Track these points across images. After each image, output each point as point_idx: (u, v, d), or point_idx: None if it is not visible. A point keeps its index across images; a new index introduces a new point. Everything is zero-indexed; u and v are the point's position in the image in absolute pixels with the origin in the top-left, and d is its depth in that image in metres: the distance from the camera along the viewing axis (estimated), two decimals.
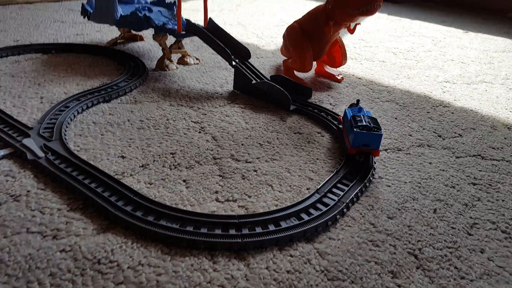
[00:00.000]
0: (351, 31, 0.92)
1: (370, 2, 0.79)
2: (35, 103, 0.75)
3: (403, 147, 0.72)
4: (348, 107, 0.71)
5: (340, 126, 0.74)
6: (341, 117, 0.74)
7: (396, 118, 0.84)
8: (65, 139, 0.62)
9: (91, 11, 1.00)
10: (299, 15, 1.71)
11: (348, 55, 1.14)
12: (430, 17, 2.03)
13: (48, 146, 0.59)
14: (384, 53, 1.31)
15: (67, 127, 0.67)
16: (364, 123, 0.61)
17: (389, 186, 0.61)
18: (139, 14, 0.93)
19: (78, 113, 0.72)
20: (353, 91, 0.96)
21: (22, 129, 0.63)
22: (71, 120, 0.69)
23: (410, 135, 0.77)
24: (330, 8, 0.86)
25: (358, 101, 0.71)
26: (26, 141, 0.59)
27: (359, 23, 0.89)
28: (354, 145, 0.62)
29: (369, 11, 0.80)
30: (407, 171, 0.65)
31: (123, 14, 0.95)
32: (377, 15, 1.96)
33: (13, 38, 1.11)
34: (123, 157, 0.61)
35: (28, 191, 0.51)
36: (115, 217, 0.48)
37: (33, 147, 0.58)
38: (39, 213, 0.48)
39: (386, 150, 0.71)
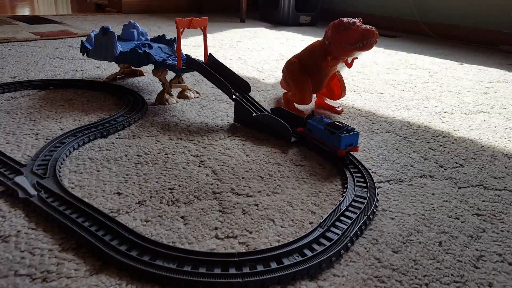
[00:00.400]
0: (349, 65, 0.93)
1: (366, 38, 0.81)
2: (30, 139, 0.74)
3: (405, 179, 0.71)
4: (307, 119, 0.79)
5: (297, 136, 0.82)
6: (302, 129, 0.81)
7: (397, 149, 0.83)
8: (60, 176, 0.60)
9: (90, 48, 1.02)
10: (297, 50, 1.74)
11: (347, 88, 1.14)
12: (426, 50, 2.08)
13: (41, 183, 0.57)
14: (382, 85, 1.32)
15: (62, 163, 0.65)
16: (344, 128, 0.72)
17: (393, 218, 0.59)
18: (139, 51, 0.94)
19: (74, 149, 0.71)
20: (353, 122, 0.96)
21: (14, 166, 0.61)
22: (66, 156, 0.68)
23: (412, 166, 0.76)
24: (327, 44, 0.88)
25: (313, 112, 0.83)
26: (18, 179, 0.57)
27: (356, 58, 0.91)
28: (343, 148, 0.71)
29: (365, 47, 0.81)
30: (410, 202, 0.63)
31: (122, 51, 0.96)
32: (374, 49, 2.01)
33: (10, 75, 1.12)
34: (119, 193, 0.59)
35: (18, 231, 0.49)
36: (109, 257, 0.46)
37: (25, 185, 0.56)
38: (28, 254, 0.46)
39: (388, 181, 0.69)
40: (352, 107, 1.08)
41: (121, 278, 0.44)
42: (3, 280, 0.42)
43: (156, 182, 0.63)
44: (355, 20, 0.84)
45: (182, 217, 0.55)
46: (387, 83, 1.36)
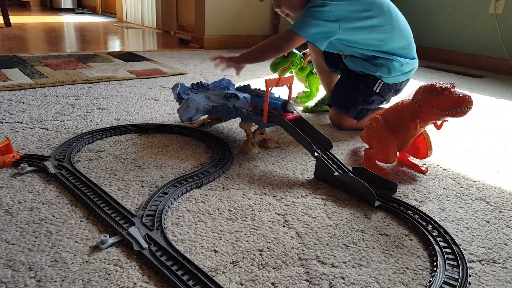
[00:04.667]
0: (438, 127, 0.91)
1: (460, 106, 0.79)
2: (137, 187, 0.83)
3: (498, 259, 0.68)
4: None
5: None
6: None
7: (488, 222, 0.79)
8: (165, 229, 0.68)
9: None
10: None
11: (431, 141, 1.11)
12: None
13: (151, 236, 0.65)
14: (469, 139, 1.27)
15: (165, 215, 0.73)
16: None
17: None
18: (229, 104, 1.02)
19: (175, 199, 0.79)
20: (439, 185, 0.93)
21: (127, 216, 0.70)
22: (168, 207, 0.75)
23: (506, 244, 0.72)
24: (416, 106, 0.87)
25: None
26: (132, 231, 0.66)
27: (446, 120, 0.89)
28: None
29: (458, 114, 0.80)
30: None
31: (215, 104, 1.05)
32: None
33: (115, 117, 1.27)
34: (215, 251, 0.65)
35: (135, 284, 0.56)
36: None
37: (138, 237, 0.64)
38: None
39: (480, 261, 0.67)
40: (437, 165, 1.05)
41: None
42: None
43: (246, 241, 0.68)
44: (448, 85, 0.84)
45: (272, 284, 0.59)
46: (475, 136, 1.30)
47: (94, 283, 0.56)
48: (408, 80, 1.27)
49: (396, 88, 1.26)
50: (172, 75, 1.95)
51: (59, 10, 5.94)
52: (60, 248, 0.63)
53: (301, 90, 1.64)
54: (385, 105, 1.29)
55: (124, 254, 0.62)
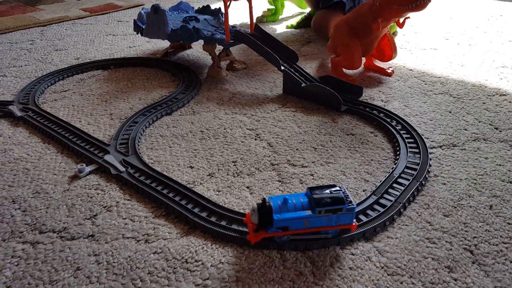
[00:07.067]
0: (401, 26, 0.91)
1: None
2: (106, 120, 0.83)
3: (458, 143, 0.73)
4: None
5: None
6: None
7: (450, 112, 0.83)
8: (140, 153, 0.69)
9: (143, 27, 1.07)
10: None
11: (397, 45, 1.12)
12: None
13: (127, 160, 0.66)
14: (435, 39, 1.28)
15: (139, 141, 0.74)
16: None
17: (444, 184, 0.62)
18: (189, 27, 0.99)
19: (146, 127, 0.79)
20: (405, 85, 0.96)
21: (101, 146, 0.71)
22: (141, 134, 0.76)
23: (465, 129, 0.77)
24: (377, 5, 0.86)
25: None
26: (107, 158, 0.67)
27: (408, 17, 0.89)
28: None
29: (418, 7, 0.80)
30: (462, 167, 0.66)
31: (173, 28, 1.01)
32: None
33: (74, 56, 1.22)
34: (191, 167, 0.67)
35: (117, 202, 0.59)
36: (194, 223, 0.54)
37: (114, 163, 0.66)
38: (130, 221, 0.56)
39: (441, 146, 0.72)
40: (404, 67, 1.07)
41: (206, 239, 0.52)
42: (116, 241, 0.52)
43: (221, 156, 0.71)
44: None
45: (247, 187, 0.62)
46: (440, 35, 1.31)
47: (78, 206, 0.58)
48: None
49: None
50: (128, 8, 1.84)
51: None
52: (39, 182, 0.64)
53: (266, 8, 1.57)
54: None
55: (103, 179, 0.64)
